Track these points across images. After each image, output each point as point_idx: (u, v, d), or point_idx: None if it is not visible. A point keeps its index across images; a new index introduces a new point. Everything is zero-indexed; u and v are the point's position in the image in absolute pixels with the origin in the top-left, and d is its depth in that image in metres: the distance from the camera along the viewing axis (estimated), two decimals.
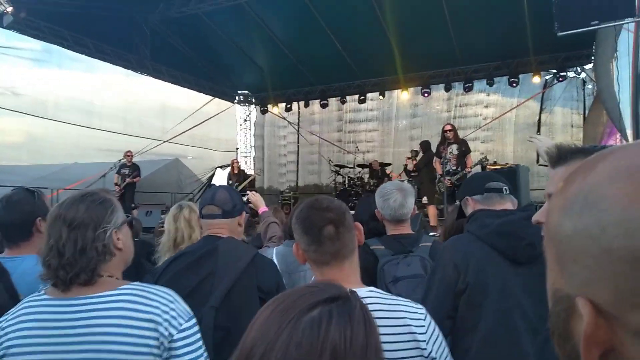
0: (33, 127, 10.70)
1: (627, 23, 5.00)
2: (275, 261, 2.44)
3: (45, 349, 1.22)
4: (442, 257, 1.96)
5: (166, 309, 1.27)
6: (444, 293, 1.86)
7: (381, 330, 1.27)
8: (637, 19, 4.66)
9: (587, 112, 11.29)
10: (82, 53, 10.38)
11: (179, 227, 2.71)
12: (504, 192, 1.97)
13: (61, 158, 11.59)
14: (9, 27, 8.66)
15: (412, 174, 10.17)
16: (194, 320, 1.31)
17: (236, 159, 13.30)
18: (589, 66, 10.73)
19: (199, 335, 1.31)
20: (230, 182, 11.80)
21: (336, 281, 1.35)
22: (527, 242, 1.78)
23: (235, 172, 11.86)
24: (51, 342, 1.22)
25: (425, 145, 9.51)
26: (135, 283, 1.35)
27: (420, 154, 9.67)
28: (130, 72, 11.41)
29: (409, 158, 10.54)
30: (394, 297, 1.41)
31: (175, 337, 1.24)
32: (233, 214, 2.04)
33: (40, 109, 10.40)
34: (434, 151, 8.56)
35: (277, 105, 14.59)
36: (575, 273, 0.44)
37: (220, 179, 13.94)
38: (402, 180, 10.29)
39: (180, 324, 1.26)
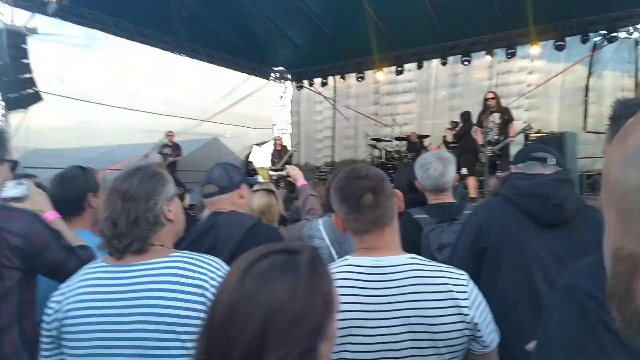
0: (79, 111, 11.12)
1: None
2: (324, 232, 2.45)
3: (101, 312, 1.29)
4: (469, 218, 1.97)
5: (213, 275, 1.33)
6: (466, 253, 1.87)
7: (423, 296, 1.31)
8: None
9: (639, 74, 10.64)
10: (123, 37, 10.65)
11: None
12: (549, 162, 1.91)
13: (106, 140, 12.04)
14: (53, 15, 8.94)
15: (451, 145, 9.96)
16: None
17: (277, 136, 13.47)
18: None
19: None
20: (273, 159, 12.03)
21: (377, 248, 1.37)
22: (554, 203, 1.74)
23: (278, 149, 12.04)
24: (106, 306, 1.30)
25: (465, 115, 9.27)
26: (185, 251, 1.41)
27: (460, 125, 9.45)
28: (168, 53, 11.61)
29: (448, 129, 10.31)
30: (436, 264, 1.41)
31: None
32: (231, 188, 2.09)
33: (84, 94, 10.78)
34: (475, 121, 8.34)
35: (313, 81, 14.50)
36: None
37: (259, 156, 14.16)
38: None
39: None
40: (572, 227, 1.76)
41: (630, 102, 0.99)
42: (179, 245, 1.90)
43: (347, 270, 1.34)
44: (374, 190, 1.38)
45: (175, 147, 10.64)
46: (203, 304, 1.28)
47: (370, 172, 1.42)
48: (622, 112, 0.98)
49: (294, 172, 3.60)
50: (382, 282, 1.32)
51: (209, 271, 1.34)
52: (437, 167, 2.33)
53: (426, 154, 2.51)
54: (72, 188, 2.08)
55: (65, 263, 1.69)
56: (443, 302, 1.31)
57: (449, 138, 10.07)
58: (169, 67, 12.18)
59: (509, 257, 1.77)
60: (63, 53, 10.53)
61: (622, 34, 10.62)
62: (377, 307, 1.29)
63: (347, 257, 1.40)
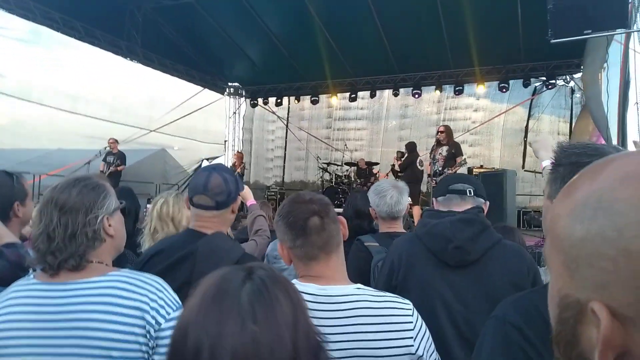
0: (17, 109, 10.48)
1: (620, 34, 5.07)
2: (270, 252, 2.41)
3: (31, 333, 1.20)
4: (387, 255, 1.98)
5: (154, 297, 1.25)
6: (382, 288, 1.85)
7: (369, 327, 1.30)
8: (629, 30, 4.73)
9: (573, 120, 11.47)
10: (71, 36, 10.16)
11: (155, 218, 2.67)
12: (467, 194, 1.93)
13: (45, 143, 11.38)
14: None
15: (398, 174, 10.23)
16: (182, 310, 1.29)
17: (240, 151, 13.21)
18: (577, 75, 10.89)
19: None
20: None
21: (323, 277, 1.35)
22: (455, 245, 1.75)
23: (237, 164, 11.66)
24: (37, 327, 1.20)
25: (410, 146, 9.58)
26: (125, 270, 1.33)
27: (406, 155, 9.73)
28: (119, 58, 11.22)
29: (395, 159, 10.59)
30: (382, 294, 1.40)
31: (163, 326, 1.22)
32: (227, 203, 1.84)
33: (25, 92, 10.19)
34: (421, 153, 8.65)
35: (267, 100, 14.52)
36: (588, 277, 0.44)
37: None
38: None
39: (169, 313, 1.24)
40: (479, 267, 1.76)
41: (569, 150, 1.05)
42: (145, 265, 1.73)
43: None
44: (319, 213, 1.37)
45: (120, 156, 10.21)
46: (142, 327, 1.20)
47: (315, 197, 1.42)
48: (562, 160, 1.04)
49: (243, 191, 3.54)
50: (328, 311, 1.29)
51: (150, 292, 1.26)
52: (393, 195, 2.38)
53: (382, 181, 2.56)
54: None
55: None
56: (389, 333, 1.30)
57: (397, 167, 10.33)
58: (118, 72, 11.76)
59: (414, 297, 1.76)
60: (5, 47, 9.96)
61: (560, 82, 11.45)
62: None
63: (294, 280, 1.36)
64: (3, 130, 10.95)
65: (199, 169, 1.95)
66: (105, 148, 10.12)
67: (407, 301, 1.40)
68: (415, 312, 1.38)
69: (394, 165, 10.75)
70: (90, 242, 1.29)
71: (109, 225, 1.35)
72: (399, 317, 1.33)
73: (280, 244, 1.41)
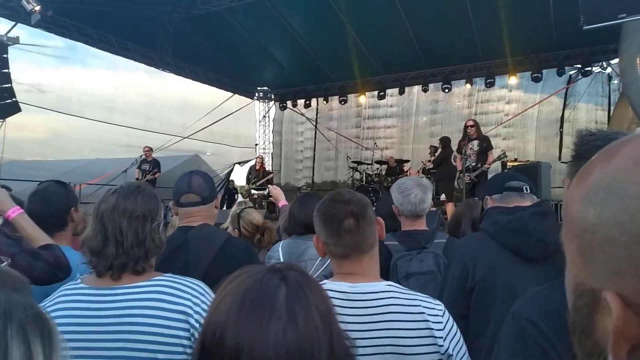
0: (57, 123, 10.94)
1: None
2: (281, 253, 2.45)
3: (79, 337, 1.25)
4: (454, 256, 1.94)
5: (197, 301, 1.30)
6: (455, 292, 1.84)
7: (399, 324, 1.31)
8: None
9: (612, 108, 11.03)
10: (105, 50, 10.58)
11: None
12: (524, 191, 1.91)
13: (84, 153, 11.83)
14: (36, 25, 8.86)
15: (431, 170, 10.08)
16: None
17: (260, 155, 13.42)
18: (615, 61, 10.45)
19: None
20: (250, 176, 11.91)
21: (355, 274, 1.37)
22: (537, 238, 1.73)
23: (257, 167, 11.91)
24: (85, 331, 1.25)
25: (444, 141, 9.41)
26: (167, 275, 1.38)
27: (440, 150, 9.57)
28: (152, 69, 11.56)
29: (428, 161, 10.40)
30: (413, 292, 1.41)
31: None
32: (211, 198, 2.05)
33: (64, 106, 10.61)
34: (454, 147, 8.47)
35: (296, 102, 14.60)
36: (601, 264, 0.43)
37: (241, 174, 14.07)
38: (422, 177, 10.22)
39: None
40: (559, 259, 1.73)
41: (591, 143, 1.02)
42: None
43: None
44: (356, 215, 1.38)
45: (155, 164, 10.49)
46: (187, 330, 1.25)
47: (354, 197, 1.43)
48: (584, 153, 1.01)
49: (275, 192, 3.60)
50: (358, 309, 1.30)
51: (193, 296, 1.31)
52: (417, 193, 2.33)
53: (405, 179, 2.50)
54: (54, 203, 2.06)
55: (30, 271, 1.63)
56: (418, 331, 1.30)
57: (428, 166, 10.15)
58: (150, 82, 12.12)
59: (498, 295, 1.74)
60: (43, 64, 10.41)
61: (596, 69, 11.04)
62: (351, 335, 1.26)
63: (324, 281, 1.39)
64: (45, 143, 11.44)
65: (180, 176, 2.10)
66: (140, 156, 10.41)
67: (438, 302, 1.40)
68: (447, 313, 1.38)
69: (424, 166, 10.53)
70: (157, 248, 1.38)
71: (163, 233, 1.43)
72: (429, 316, 1.33)
73: (316, 237, 1.44)
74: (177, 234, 1.97)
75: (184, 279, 1.36)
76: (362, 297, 1.32)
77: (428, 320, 1.32)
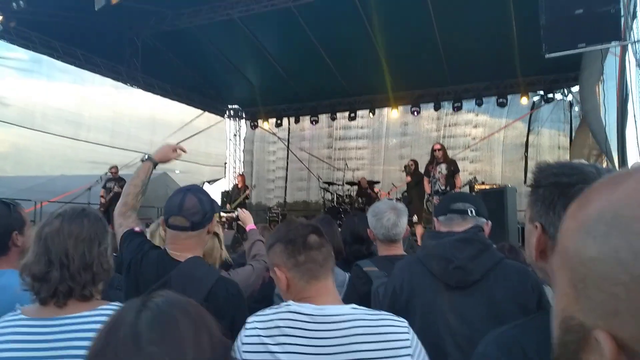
0: (20, 137, 10.56)
1: (613, 46, 5.08)
2: None
3: None
4: (390, 279, 1.96)
5: None
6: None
7: (366, 346, 1.27)
8: (623, 43, 4.74)
9: (573, 133, 11.43)
10: (71, 64, 10.32)
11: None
12: (468, 214, 1.90)
13: (47, 170, 11.43)
14: None
15: (404, 192, 10.04)
16: None
17: (242, 173, 13.24)
18: (575, 88, 10.90)
19: None
20: (230, 197, 11.71)
21: (319, 297, 1.33)
22: (455, 265, 1.73)
23: (240, 186, 11.74)
24: None
25: (414, 164, 9.53)
26: (114, 303, 1.32)
27: (413, 170, 9.64)
28: (119, 84, 11.34)
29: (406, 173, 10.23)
30: (378, 313, 1.39)
31: None
32: (203, 224, 1.83)
33: (27, 120, 10.27)
34: (422, 171, 8.58)
35: (267, 121, 14.59)
36: (596, 301, 0.40)
37: (211, 194, 13.81)
38: (391, 199, 10.28)
39: None
40: (482, 287, 1.73)
41: (547, 171, 1.02)
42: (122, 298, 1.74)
43: (289, 318, 1.28)
44: (316, 232, 1.40)
45: (120, 181, 10.22)
46: None
47: (306, 220, 1.49)
48: (542, 181, 1.01)
49: (243, 215, 3.52)
50: (325, 331, 1.27)
51: None
52: (390, 217, 2.32)
53: (380, 203, 2.50)
54: None
55: None
56: (387, 351, 1.29)
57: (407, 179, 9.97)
58: (118, 98, 11.87)
59: (418, 320, 1.73)
60: (6, 76, 10.07)
61: (558, 96, 11.47)
62: (319, 358, 1.25)
63: (289, 302, 1.34)
64: (6, 158, 11.00)
65: (174, 191, 1.91)
66: (106, 174, 10.14)
67: (402, 319, 1.39)
68: (411, 330, 1.37)
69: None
70: (105, 272, 1.32)
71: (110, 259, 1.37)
72: (396, 334, 1.32)
73: (277, 270, 1.39)
74: (159, 264, 1.78)
75: None
76: (329, 320, 1.29)
77: (395, 340, 1.31)
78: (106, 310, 1.26)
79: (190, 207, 1.79)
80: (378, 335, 1.30)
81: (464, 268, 1.72)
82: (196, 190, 1.89)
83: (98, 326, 1.16)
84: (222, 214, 11.79)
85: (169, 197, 1.89)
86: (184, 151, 2.44)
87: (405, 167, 10.09)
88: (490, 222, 1.97)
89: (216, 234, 2.98)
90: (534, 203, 0.99)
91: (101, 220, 1.38)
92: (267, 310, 1.32)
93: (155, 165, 2.29)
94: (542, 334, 0.75)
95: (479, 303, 1.71)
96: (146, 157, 2.29)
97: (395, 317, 1.38)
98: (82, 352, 1.13)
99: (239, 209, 3.74)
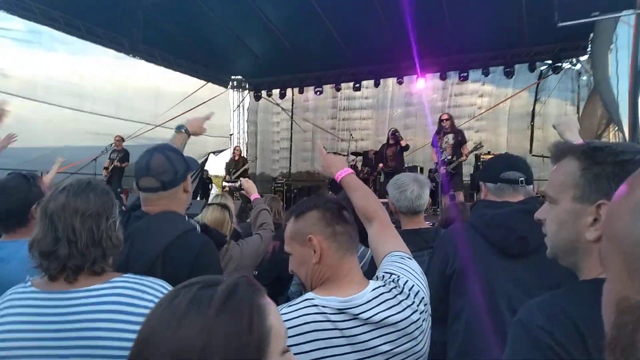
0: (21, 109, 10.48)
1: (627, 15, 4.97)
2: None
3: (34, 344, 1.17)
4: (438, 244, 1.99)
5: None
6: (436, 279, 1.87)
7: (394, 322, 1.26)
8: (638, 11, 4.64)
9: (581, 103, 11.31)
10: (72, 35, 10.16)
11: None
12: (519, 184, 1.90)
13: (51, 141, 11.41)
14: None
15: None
16: None
17: (238, 145, 13.27)
18: (584, 58, 10.72)
19: None
20: (229, 168, 11.88)
21: (352, 275, 1.31)
22: (518, 235, 1.76)
23: (236, 158, 11.91)
24: (40, 337, 1.17)
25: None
26: (127, 275, 1.30)
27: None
28: (122, 55, 11.20)
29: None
30: (394, 287, 1.36)
31: None
32: (174, 183, 1.74)
33: (29, 92, 10.19)
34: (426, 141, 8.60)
35: (271, 92, 14.44)
36: None
37: (215, 164, 13.91)
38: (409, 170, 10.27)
39: None
40: (538, 255, 1.76)
41: (609, 149, 1.01)
42: None
43: (313, 312, 1.20)
44: (344, 207, 1.37)
45: (124, 154, 10.25)
46: None
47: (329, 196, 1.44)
48: (606, 158, 1.00)
49: (247, 184, 3.55)
50: (353, 328, 1.21)
51: (157, 297, 1.24)
52: (414, 189, 2.32)
53: (401, 175, 2.48)
54: (15, 199, 1.91)
55: None
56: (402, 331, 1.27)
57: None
58: (120, 69, 11.74)
59: (474, 286, 1.78)
60: (6, 47, 9.94)
61: (566, 65, 11.28)
62: (350, 352, 1.20)
63: (309, 295, 1.27)
64: (9, 130, 10.92)
65: (143, 152, 1.82)
66: (110, 145, 10.16)
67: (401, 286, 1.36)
68: (410, 283, 1.39)
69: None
70: (115, 247, 1.30)
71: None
72: (415, 306, 1.33)
73: (313, 238, 1.29)
74: (127, 226, 1.70)
75: (145, 280, 1.29)
76: (357, 311, 1.23)
77: (416, 311, 1.30)
78: (120, 282, 1.25)
79: (157, 167, 1.72)
80: (402, 312, 1.28)
81: (525, 238, 1.75)
82: (164, 149, 1.80)
83: (111, 298, 1.20)
84: (225, 183, 11.94)
85: (136, 162, 1.81)
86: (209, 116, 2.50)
87: (394, 132, 9.89)
88: (535, 185, 1.99)
89: (226, 207, 3.02)
90: (595, 180, 0.95)
91: (108, 192, 1.34)
92: (286, 309, 1.21)
93: (189, 136, 2.30)
94: (589, 306, 0.73)
95: (534, 271, 1.75)
96: (182, 129, 2.27)
97: (395, 289, 1.33)
98: (95, 324, 1.16)
99: (241, 179, 3.79)
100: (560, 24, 4.88)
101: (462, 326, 1.76)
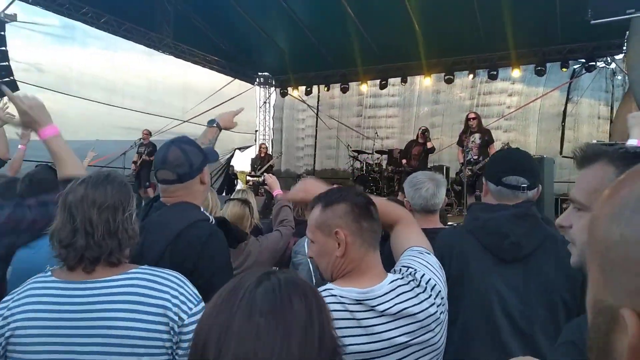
0: (55, 103, 10.82)
1: None
2: (307, 249, 2.40)
3: (52, 332, 1.20)
4: (434, 248, 1.93)
5: (175, 293, 1.26)
6: None
7: (413, 316, 1.28)
8: None
9: (615, 103, 10.94)
10: (104, 30, 10.43)
11: None
12: (521, 191, 1.82)
13: (83, 135, 11.73)
14: (33, 3, 8.72)
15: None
16: (202, 304, 1.30)
17: (264, 142, 13.41)
18: (619, 56, 10.37)
19: None
20: (254, 165, 12.02)
21: (373, 269, 1.33)
22: (511, 240, 1.72)
23: (262, 155, 12.03)
24: (59, 326, 1.21)
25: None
26: (143, 267, 1.33)
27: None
28: (152, 50, 11.43)
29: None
30: (406, 278, 1.38)
31: (186, 322, 1.23)
32: (191, 175, 1.78)
33: (62, 86, 10.50)
34: (458, 139, 8.44)
35: (297, 89, 14.49)
36: (623, 282, 0.42)
37: (241, 160, 14.07)
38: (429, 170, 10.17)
39: (191, 309, 1.26)
40: (533, 261, 1.74)
41: (590, 149, 0.98)
42: None
43: (331, 302, 1.22)
44: (373, 203, 1.38)
45: (151, 146, 10.47)
46: (166, 324, 1.22)
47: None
48: (580, 159, 0.99)
49: (270, 180, 3.56)
50: (370, 319, 1.25)
51: (171, 289, 1.27)
52: (429, 187, 2.30)
53: (418, 173, 2.45)
54: (42, 189, 2.00)
55: None
56: (431, 317, 1.31)
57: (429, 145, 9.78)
58: (150, 64, 11.99)
59: (469, 290, 1.76)
60: (42, 42, 10.27)
61: (600, 64, 10.93)
62: (367, 342, 1.23)
63: (329, 285, 1.29)
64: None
65: (161, 145, 1.88)
66: (139, 139, 10.38)
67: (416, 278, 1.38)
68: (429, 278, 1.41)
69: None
70: (131, 239, 1.32)
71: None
72: (432, 294, 1.36)
73: (339, 231, 1.30)
74: (144, 217, 1.79)
75: (161, 271, 1.32)
76: (375, 302, 1.26)
77: (434, 304, 1.33)
78: (136, 274, 1.28)
79: (173, 160, 1.76)
80: (420, 304, 1.31)
81: (519, 243, 1.72)
82: (181, 142, 1.84)
83: (128, 289, 1.22)
84: (249, 177, 12.04)
85: (155, 155, 1.88)
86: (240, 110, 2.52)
87: (424, 132, 9.63)
88: (540, 187, 1.90)
89: (247, 202, 3.03)
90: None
91: (126, 185, 1.36)
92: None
93: (220, 130, 2.35)
94: None
95: (529, 276, 1.73)
96: (214, 123, 2.31)
97: (411, 280, 1.36)
98: (111, 314, 1.19)
99: (265, 175, 3.80)
100: (594, 22, 4.73)
101: (458, 331, 1.72)
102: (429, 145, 9.42)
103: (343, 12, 10.09)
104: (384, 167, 11.55)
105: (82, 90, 10.78)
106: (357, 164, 12.15)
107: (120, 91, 11.53)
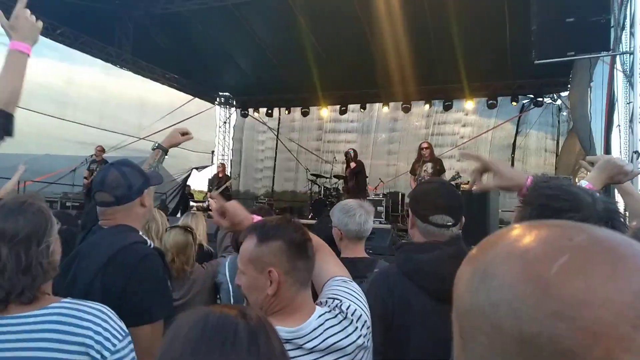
0: None
1: (603, 56, 5.13)
2: (227, 270, 2.36)
3: None
4: (370, 291, 1.81)
5: (98, 329, 1.18)
6: (379, 329, 1.74)
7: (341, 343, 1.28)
8: (611, 54, 4.78)
9: (560, 138, 11.56)
10: (60, 42, 10.11)
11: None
12: (447, 230, 1.82)
13: (32, 148, 11.23)
14: None
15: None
16: (129, 339, 1.24)
17: (223, 162, 13.25)
18: (565, 93, 11.02)
19: (133, 355, 1.24)
20: (211, 186, 11.81)
21: (304, 307, 1.30)
22: (449, 282, 1.67)
23: (220, 175, 11.84)
24: None
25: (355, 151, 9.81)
26: (66, 300, 1.24)
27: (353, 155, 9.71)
28: (109, 65, 11.16)
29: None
30: (337, 314, 1.38)
31: None
32: (130, 197, 1.75)
33: None
34: (411, 167, 8.60)
35: (258, 110, 14.50)
36: (472, 349, 0.44)
37: (197, 180, 13.82)
38: (378, 195, 10.32)
39: (114, 345, 1.19)
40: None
41: (541, 190, 1.01)
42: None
43: None
44: (310, 238, 1.37)
45: (103, 164, 10.12)
46: None
47: (299, 221, 1.40)
48: (533, 199, 1.00)
49: (232, 206, 3.47)
50: (299, 357, 1.22)
51: (94, 324, 1.19)
52: (361, 214, 2.29)
53: (347, 201, 2.44)
54: None
55: None
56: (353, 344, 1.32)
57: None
58: (107, 78, 11.69)
59: (414, 332, 1.72)
60: None
61: (547, 100, 11.57)
62: None
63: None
64: None
65: (103, 167, 1.90)
66: (91, 156, 10.03)
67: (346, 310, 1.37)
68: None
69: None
70: (46, 274, 1.22)
71: (57, 252, 1.28)
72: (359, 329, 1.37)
73: (273, 270, 1.23)
74: (88, 236, 1.76)
75: (84, 305, 1.23)
76: (305, 340, 1.24)
77: (360, 335, 1.35)
78: (55, 308, 1.19)
79: (111, 182, 1.74)
80: (348, 336, 1.32)
81: (455, 284, 1.70)
82: (121, 164, 1.81)
83: (46, 326, 1.14)
84: (192, 203, 11.72)
85: (94, 177, 1.87)
86: (191, 136, 2.46)
87: (345, 154, 9.80)
88: (463, 219, 1.89)
89: (189, 231, 2.88)
90: (519, 221, 0.98)
91: (42, 213, 1.25)
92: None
93: (166, 152, 2.31)
94: None
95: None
96: (156, 145, 2.29)
97: (340, 314, 1.35)
98: (26, 353, 1.11)
99: (209, 199, 3.70)
100: (537, 62, 5.01)
101: None
102: (352, 165, 9.57)
103: (305, 38, 10.25)
104: (341, 191, 11.62)
105: (32, 101, 10.35)
106: (315, 188, 12.19)
107: (73, 104, 11.14)
